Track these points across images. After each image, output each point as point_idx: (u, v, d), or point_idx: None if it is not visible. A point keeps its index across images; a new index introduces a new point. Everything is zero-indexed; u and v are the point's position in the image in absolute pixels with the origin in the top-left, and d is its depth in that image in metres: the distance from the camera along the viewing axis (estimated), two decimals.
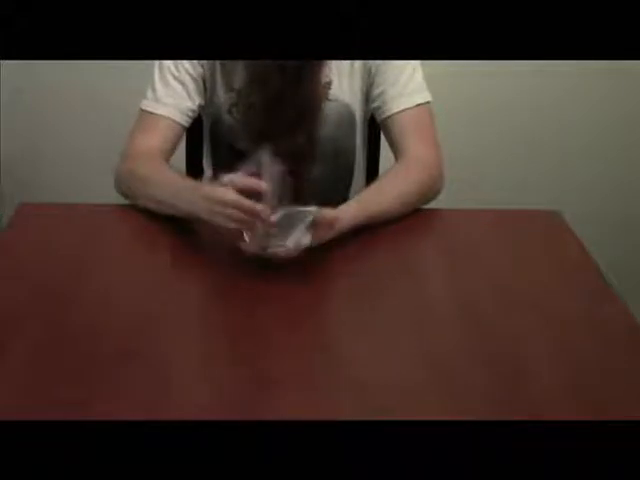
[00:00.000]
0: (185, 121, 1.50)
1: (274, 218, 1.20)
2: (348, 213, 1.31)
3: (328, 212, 1.25)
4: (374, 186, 1.41)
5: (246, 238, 1.21)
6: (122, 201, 1.44)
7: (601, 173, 2.41)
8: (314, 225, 1.22)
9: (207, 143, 1.63)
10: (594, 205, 2.40)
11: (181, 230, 1.33)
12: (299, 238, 1.21)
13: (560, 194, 2.18)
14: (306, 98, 1.47)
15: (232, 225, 1.21)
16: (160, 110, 1.47)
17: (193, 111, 1.51)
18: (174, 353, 1.08)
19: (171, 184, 1.36)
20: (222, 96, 1.52)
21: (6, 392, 0.99)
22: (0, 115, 2.27)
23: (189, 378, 1.03)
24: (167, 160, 1.47)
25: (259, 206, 1.18)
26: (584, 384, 1.04)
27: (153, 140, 1.47)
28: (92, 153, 2.31)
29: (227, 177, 1.21)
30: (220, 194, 1.20)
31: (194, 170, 1.71)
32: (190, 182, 1.36)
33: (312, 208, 1.23)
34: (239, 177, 1.20)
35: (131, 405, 0.98)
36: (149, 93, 1.49)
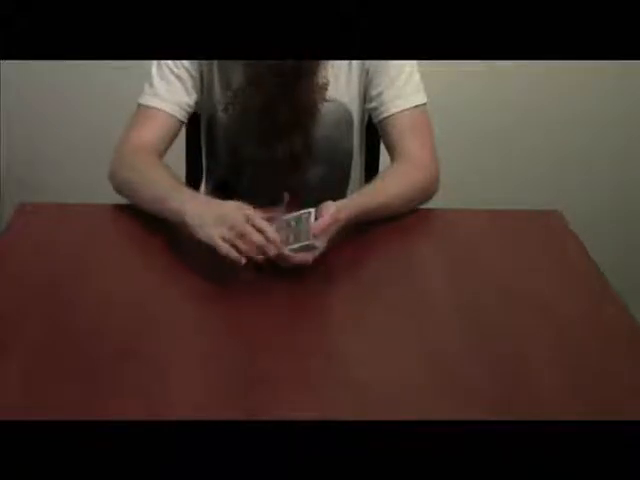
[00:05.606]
0: (182, 115, 1.49)
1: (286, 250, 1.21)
2: (345, 207, 1.30)
3: (327, 205, 1.26)
4: (371, 185, 1.41)
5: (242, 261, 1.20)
6: (122, 201, 1.44)
7: (601, 173, 2.41)
8: (317, 220, 1.23)
9: (203, 140, 1.63)
10: (594, 205, 2.40)
11: (181, 230, 1.32)
12: (308, 242, 1.21)
13: (560, 194, 2.18)
14: (302, 100, 1.47)
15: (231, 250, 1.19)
16: (156, 103, 1.47)
17: (190, 106, 1.50)
18: (174, 353, 1.08)
19: (163, 182, 1.35)
20: (219, 93, 1.51)
21: (6, 392, 0.99)
22: (0, 115, 2.26)
23: (189, 378, 1.03)
24: (162, 154, 1.46)
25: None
26: (584, 384, 1.04)
27: (148, 134, 1.46)
28: (92, 153, 2.30)
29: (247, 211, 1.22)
30: (238, 219, 1.20)
31: (193, 167, 1.71)
32: (183, 186, 1.35)
33: (310, 209, 1.24)
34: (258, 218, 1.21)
35: (131, 405, 0.98)
36: (147, 88, 1.49)
